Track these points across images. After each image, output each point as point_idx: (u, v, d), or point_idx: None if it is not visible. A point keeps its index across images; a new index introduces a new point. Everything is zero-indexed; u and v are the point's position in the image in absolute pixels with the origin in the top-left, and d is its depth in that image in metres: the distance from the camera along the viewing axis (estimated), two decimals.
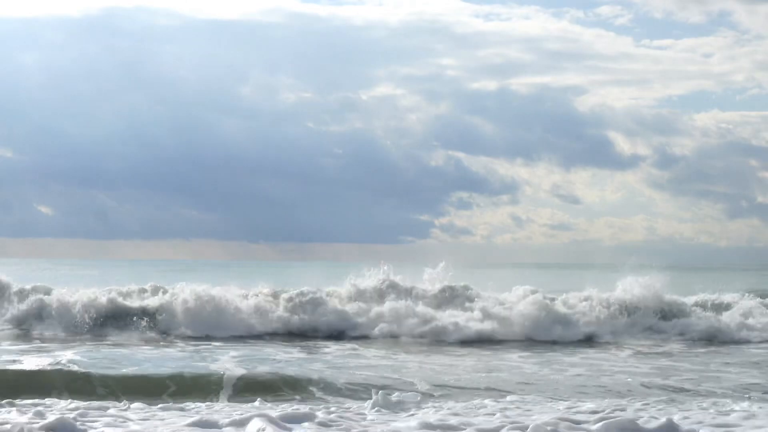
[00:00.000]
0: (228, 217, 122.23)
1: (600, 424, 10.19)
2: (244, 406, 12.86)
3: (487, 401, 13.16)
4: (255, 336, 24.44)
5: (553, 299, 27.43)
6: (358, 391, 14.63)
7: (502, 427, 10.28)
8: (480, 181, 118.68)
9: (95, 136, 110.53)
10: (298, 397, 14.21)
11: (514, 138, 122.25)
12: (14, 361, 17.07)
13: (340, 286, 28.05)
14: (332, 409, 12.19)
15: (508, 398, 13.66)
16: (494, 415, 11.59)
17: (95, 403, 12.47)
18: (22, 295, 25.96)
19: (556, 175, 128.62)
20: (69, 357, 17.46)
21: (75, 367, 15.91)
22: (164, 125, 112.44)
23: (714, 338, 25.73)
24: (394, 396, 12.53)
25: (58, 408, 12.01)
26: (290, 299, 26.35)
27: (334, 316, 25.73)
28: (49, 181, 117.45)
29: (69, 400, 12.69)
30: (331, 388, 14.75)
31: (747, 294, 30.07)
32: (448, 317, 25.13)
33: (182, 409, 12.22)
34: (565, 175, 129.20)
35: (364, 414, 11.66)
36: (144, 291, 27.04)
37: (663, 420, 10.37)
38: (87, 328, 24.32)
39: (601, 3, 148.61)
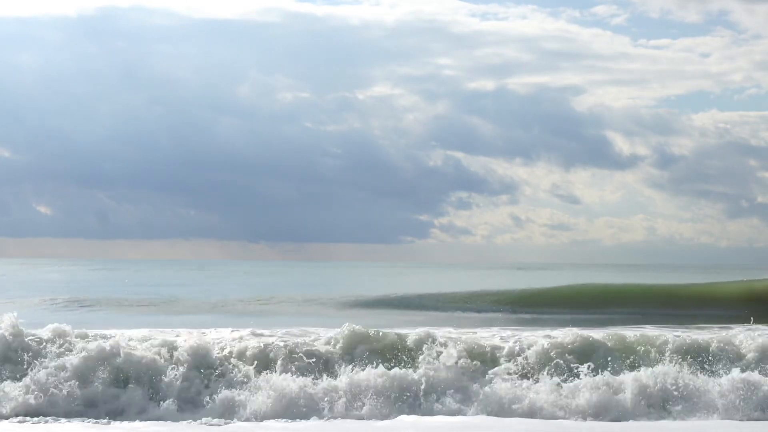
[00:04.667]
0: (228, 217, 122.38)
1: None
2: None
3: None
4: None
5: None
6: None
7: None
8: (479, 181, 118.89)
9: (93, 135, 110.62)
10: None
11: (513, 138, 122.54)
12: None
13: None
14: None
15: None
16: None
17: None
18: None
19: (555, 175, 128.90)
20: None
21: None
22: (162, 125, 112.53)
23: None
24: None
25: None
26: None
27: None
28: (48, 181, 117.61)
29: None
30: None
31: None
32: None
33: None
34: (564, 175, 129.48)
35: None
36: None
37: None
38: None
39: (596, 2, 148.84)
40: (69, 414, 12.17)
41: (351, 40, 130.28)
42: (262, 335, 15.12)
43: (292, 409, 12.41)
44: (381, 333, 14.40)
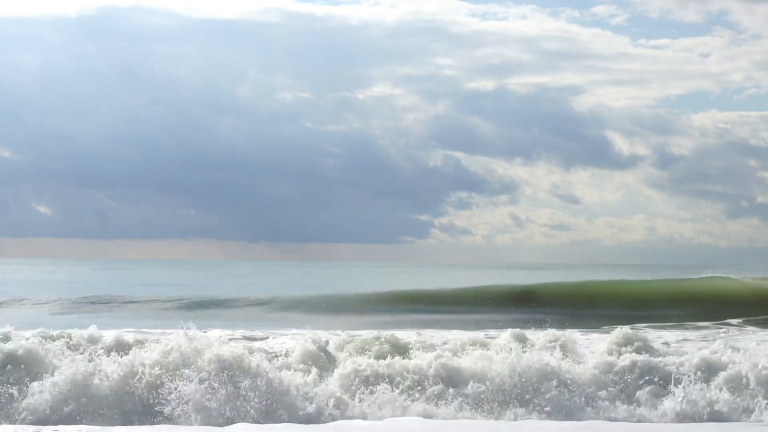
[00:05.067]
0: (228, 217, 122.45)
1: None
2: None
3: None
4: None
5: None
6: None
7: None
8: (479, 181, 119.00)
9: (93, 135, 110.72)
10: None
11: (513, 138, 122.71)
12: None
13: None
14: None
15: None
16: None
17: None
18: None
19: (555, 175, 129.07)
20: None
21: None
22: (162, 125, 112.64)
23: None
24: None
25: None
26: None
27: None
28: (48, 181, 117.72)
29: None
30: None
31: None
32: None
33: None
34: (564, 175, 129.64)
35: None
36: None
37: None
38: None
39: (596, 2, 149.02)
40: (69, 420, 11.88)
41: (351, 40, 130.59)
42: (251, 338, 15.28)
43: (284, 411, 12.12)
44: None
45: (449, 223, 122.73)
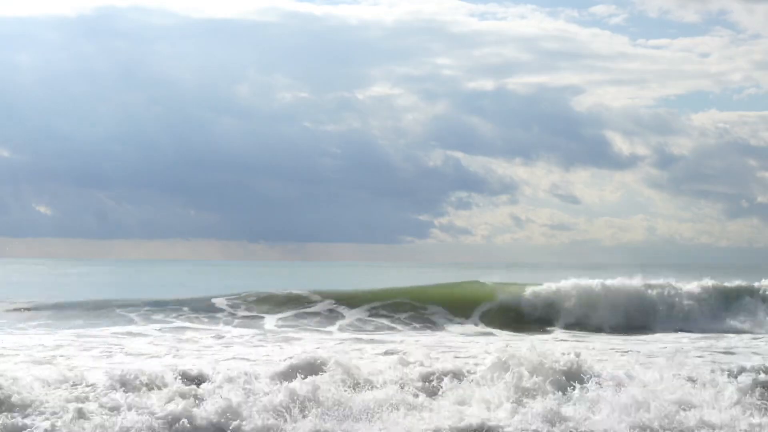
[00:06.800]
0: (228, 217, 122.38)
1: None
2: None
3: None
4: None
5: None
6: None
7: None
8: (479, 181, 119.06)
9: (92, 135, 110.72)
10: None
11: (512, 138, 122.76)
12: None
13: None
14: None
15: None
16: None
17: None
18: None
19: (555, 174, 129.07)
20: None
21: None
22: (161, 125, 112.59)
23: None
24: None
25: None
26: None
27: None
28: (48, 181, 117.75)
29: None
30: None
31: None
32: None
33: None
34: (563, 174, 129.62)
35: None
36: None
37: None
38: None
39: (595, 2, 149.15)
40: None
41: (350, 39, 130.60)
42: None
43: None
44: None
45: (449, 223, 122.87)
